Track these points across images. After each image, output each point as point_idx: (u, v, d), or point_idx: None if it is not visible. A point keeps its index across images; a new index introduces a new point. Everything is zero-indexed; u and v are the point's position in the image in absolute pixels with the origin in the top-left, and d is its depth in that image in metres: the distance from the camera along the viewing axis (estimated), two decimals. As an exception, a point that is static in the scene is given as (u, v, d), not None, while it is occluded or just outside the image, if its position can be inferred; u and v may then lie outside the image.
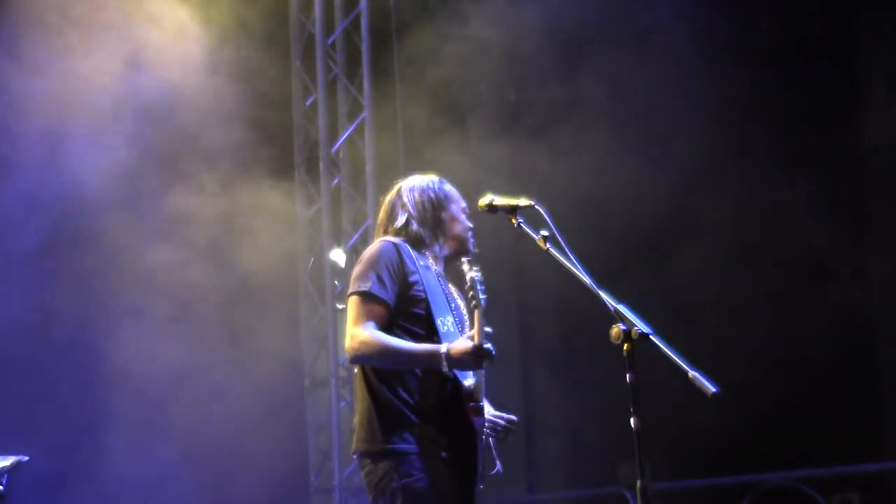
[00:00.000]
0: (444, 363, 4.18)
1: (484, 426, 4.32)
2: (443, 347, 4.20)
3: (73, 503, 7.30)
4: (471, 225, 4.51)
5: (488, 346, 4.15)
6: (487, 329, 4.17)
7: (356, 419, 4.39)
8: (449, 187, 4.57)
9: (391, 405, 4.29)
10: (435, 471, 4.26)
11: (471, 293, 4.16)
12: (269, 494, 8.07)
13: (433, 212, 4.50)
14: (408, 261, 4.36)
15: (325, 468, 8.33)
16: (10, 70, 6.96)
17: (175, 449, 7.53)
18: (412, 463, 4.26)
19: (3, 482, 5.09)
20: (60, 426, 7.19)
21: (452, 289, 4.53)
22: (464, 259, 4.24)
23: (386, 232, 4.52)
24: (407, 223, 4.49)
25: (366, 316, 4.27)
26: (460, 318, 4.47)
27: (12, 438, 6.03)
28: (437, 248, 4.48)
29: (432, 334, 4.31)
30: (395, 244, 4.39)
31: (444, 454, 4.27)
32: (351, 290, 4.34)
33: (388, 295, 4.30)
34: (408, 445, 4.27)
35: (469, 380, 4.27)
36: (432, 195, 4.52)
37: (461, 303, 4.53)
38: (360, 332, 4.25)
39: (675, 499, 8.37)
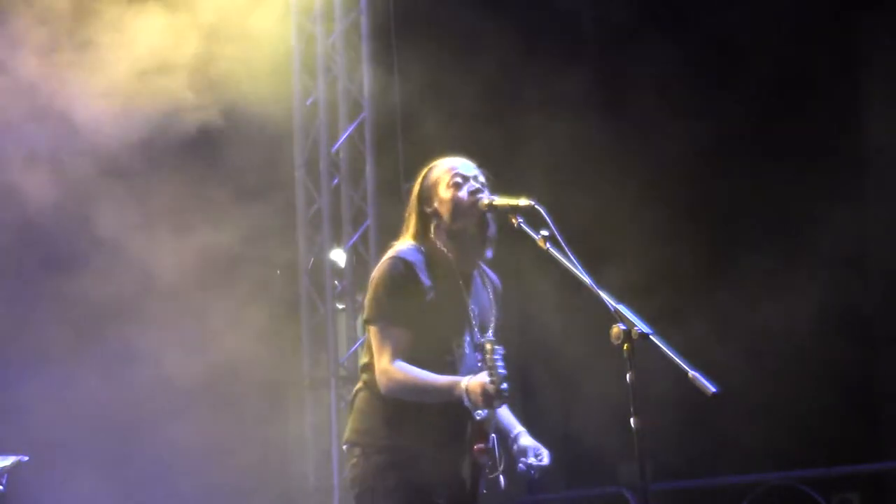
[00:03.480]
0: (465, 397, 4.14)
1: (487, 465, 4.27)
2: (463, 382, 4.16)
3: (75, 501, 7.31)
4: (463, 193, 4.33)
5: (503, 387, 4.10)
6: (503, 371, 4.12)
7: (355, 407, 4.38)
8: (441, 168, 4.42)
9: (394, 403, 4.29)
10: (430, 471, 4.25)
11: (491, 371, 4.09)
12: (269, 494, 8.07)
13: (418, 210, 4.41)
14: (421, 275, 4.28)
15: (324, 468, 8.33)
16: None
17: (174, 448, 7.53)
18: (407, 461, 4.25)
19: (3, 482, 5.09)
20: (56, 423, 7.20)
21: (477, 283, 4.44)
22: (489, 336, 4.21)
23: (404, 233, 4.44)
24: (408, 223, 4.43)
25: (391, 348, 4.24)
26: (484, 314, 4.41)
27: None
28: (447, 234, 4.37)
29: (447, 353, 4.29)
30: (403, 260, 4.29)
31: (440, 456, 4.26)
32: (366, 315, 4.31)
33: (403, 317, 4.25)
34: (405, 443, 4.26)
35: (480, 411, 4.24)
36: (423, 185, 4.42)
37: (487, 294, 4.48)
38: (389, 369, 4.23)
39: (675, 499, 8.37)
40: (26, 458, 5.18)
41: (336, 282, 8.46)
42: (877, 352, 9.63)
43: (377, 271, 4.35)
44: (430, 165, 4.47)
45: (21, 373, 7.26)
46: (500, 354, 4.12)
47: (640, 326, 3.74)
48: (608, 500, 8.74)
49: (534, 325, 9.29)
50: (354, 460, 4.34)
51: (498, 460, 4.34)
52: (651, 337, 3.72)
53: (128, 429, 7.52)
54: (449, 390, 4.18)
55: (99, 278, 7.43)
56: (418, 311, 4.26)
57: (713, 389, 3.61)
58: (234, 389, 7.74)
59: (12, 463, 5.12)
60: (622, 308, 3.80)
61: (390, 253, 4.37)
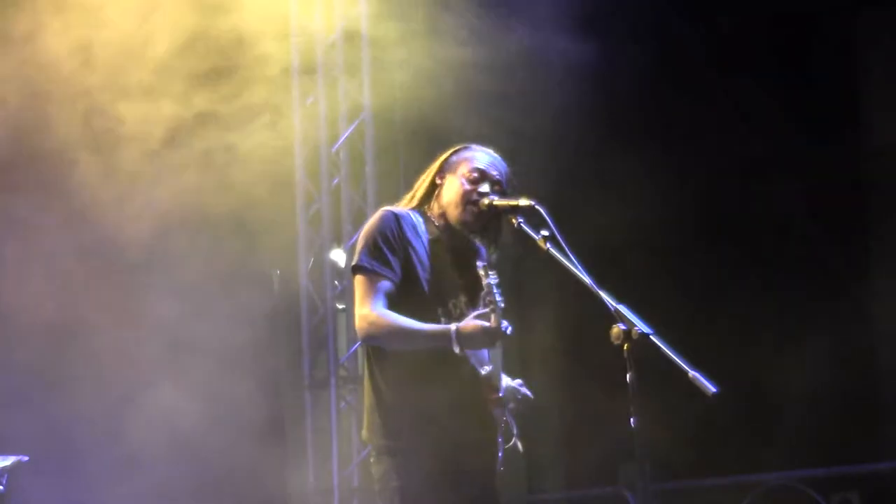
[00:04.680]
0: (455, 342, 4.14)
1: (504, 418, 4.27)
2: (453, 326, 4.15)
3: (75, 498, 7.31)
4: (471, 188, 4.35)
5: (504, 324, 4.09)
6: (501, 302, 4.10)
7: (364, 404, 4.36)
8: (471, 154, 4.43)
9: (395, 404, 4.26)
10: (437, 471, 4.22)
11: (488, 299, 4.10)
12: (269, 495, 8.07)
13: (432, 178, 4.44)
14: (409, 232, 4.30)
15: (324, 468, 8.33)
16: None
17: (174, 448, 7.53)
18: (412, 462, 4.23)
19: (3, 482, 5.09)
20: (64, 421, 7.21)
21: (477, 266, 4.38)
22: (479, 264, 4.16)
23: (409, 198, 4.47)
24: (418, 187, 4.46)
25: (373, 293, 4.21)
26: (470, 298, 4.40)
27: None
28: (443, 217, 4.38)
29: (437, 309, 4.27)
30: (395, 213, 4.33)
31: (448, 454, 4.24)
32: (354, 262, 4.29)
33: (391, 268, 4.25)
34: (409, 444, 4.24)
35: (486, 367, 4.23)
36: (449, 159, 4.44)
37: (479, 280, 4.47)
38: (368, 312, 4.20)
39: (676, 499, 8.36)
40: (26, 459, 5.18)
41: (336, 282, 8.47)
42: (877, 352, 9.62)
43: (369, 221, 4.36)
44: (466, 145, 4.49)
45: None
46: (495, 283, 4.10)
47: (641, 326, 3.74)
48: (608, 500, 8.73)
49: (534, 324, 9.29)
50: (372, 459, 4.35)
51: (511, 425, 4.30)
52: (651, 337, 3.72)
53: (126, 429, 7.51)
54: (438, 336, 4.14)
55: (97, 282, 7.45)
56: (405, 265, 4.26)
57: (713, 389, 3.61)
58: (234, 389, 7.73)
59: (12, 463, 5.12)
60: (622, 308, 3.81)
61: (385, 207, 4.40)
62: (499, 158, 4.47)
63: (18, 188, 7.30)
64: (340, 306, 8.51)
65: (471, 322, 4.14)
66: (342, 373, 8.34)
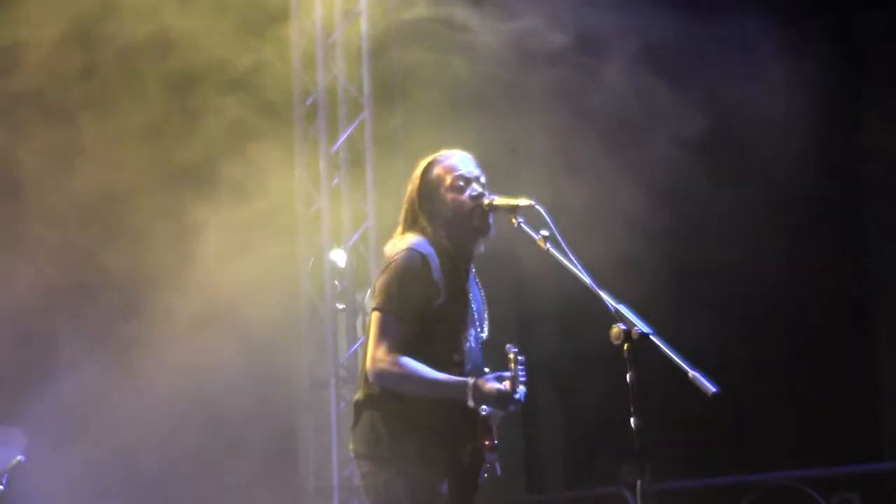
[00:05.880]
0: (470, 397, 4.16)
1: (494, 459, 4.29)
2: (470, 380, 4.18)
3: (76, 498, 7.32)
4: (465, 196, 4.35)
5: (518, 394, 4.15)
6: (524, 378, 4.18)
7: (360, 419, 4.34)
8: (443, 165, 4.41)
9: (398, 412, 4.26)
10: (437, 479, 4.24)
11: (512, 375, 4.16)
12: (269, 494, 8.07)
13: (427, 202, 4.39)
14: (434, 271, 4.27)
15: (324, 468, 8.33)
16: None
17: (175, 448, 7.53)
18: (415, 471, 4.23)
19: (3, 482, 5.09)
20: (62, 422, 7.23)
21: (471, 277, 4.43)
22: (510, 347, 4.20)
23: (405, 226, 4.42)
24: (410, 217, 4.41)
25: (389, 337, 4.22)
26: (479, 313, 4.44)
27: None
28: (446, 232, 4.36)
29: (454, 351, 4.29)
30: (420, 254, 4.27)
31: (445, 464, 4.25)
32: (375, 303, 4.27)
33: (411, 313, 4.23)
34: (412, 453, 4.24)
35: (485, 407, 4.25)
36: (423, 180, 4.41)
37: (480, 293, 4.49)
38: (382, 357, 4.21)
39: (675, 499, 8.36)
40: (25, 459, 5.18)
41: (336, 282, 8.46)
42: (877, 351, 9.62)
43: (395, 260, 4.29)
44: (430, 160, 4.45)
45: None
46: (523, 364, 4.17)
47: (640, 326, 3.74)
48: (608, 500, 8.73)
49: (534, 324, 9.29)
50: (365, 471, 4.32)
51: (495, 465, 4.35)
52: (651, 337, 3.72)
53: (127, 429, 7.52)
54: (452, 388, 4.18)
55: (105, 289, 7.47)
56: (429, 309, 4.25)
57: (713, 389, 3.61)
58: (234, 389, 7.74)
59: (12, 463, 5.13)
60: (622, 308, 3.81)
61: (407, 243, 4.32)
62: (466, 154, 4.46)
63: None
64: (340, 306, 8.51)
65: (488, 383, 4.17)
66: (342, 373, 8.34)
